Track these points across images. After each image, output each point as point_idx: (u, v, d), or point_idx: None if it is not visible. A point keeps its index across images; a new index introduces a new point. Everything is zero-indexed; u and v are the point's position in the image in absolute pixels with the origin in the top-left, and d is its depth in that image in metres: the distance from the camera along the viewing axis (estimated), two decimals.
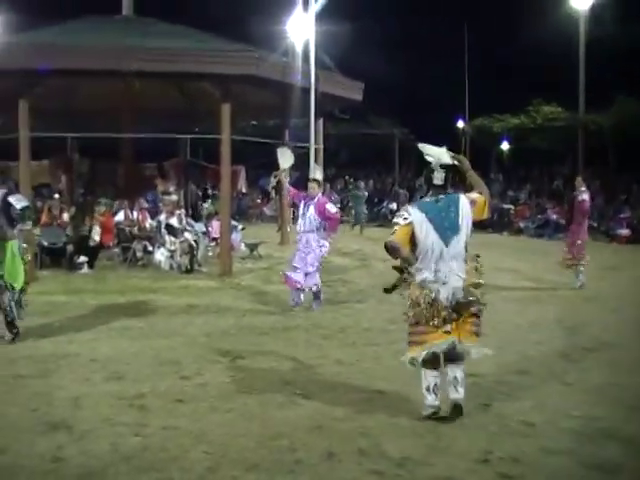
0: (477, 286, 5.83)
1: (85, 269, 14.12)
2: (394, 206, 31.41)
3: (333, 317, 10.18)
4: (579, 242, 13.00)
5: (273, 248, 17.67)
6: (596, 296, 12.16)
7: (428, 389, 5.82)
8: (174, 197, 15.95)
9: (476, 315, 5.82)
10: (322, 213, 10.47)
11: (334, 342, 8.65)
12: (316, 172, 11.20)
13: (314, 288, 10.64)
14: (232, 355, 7.79)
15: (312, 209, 10.50)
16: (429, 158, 5.97)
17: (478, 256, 6.02)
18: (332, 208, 10.75)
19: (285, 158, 11.19)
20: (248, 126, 26.75)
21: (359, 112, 26.33)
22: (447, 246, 5.72)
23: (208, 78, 14.61)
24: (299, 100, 15.18)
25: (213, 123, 18.20)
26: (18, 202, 8.33)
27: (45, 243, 14.69)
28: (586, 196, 13.28)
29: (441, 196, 5.87)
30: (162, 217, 14.87)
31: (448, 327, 5.70)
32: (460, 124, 39.99)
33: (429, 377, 5.83)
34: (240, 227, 17.64)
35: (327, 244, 10.72)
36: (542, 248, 15.80)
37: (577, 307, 11.34)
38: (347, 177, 35.35)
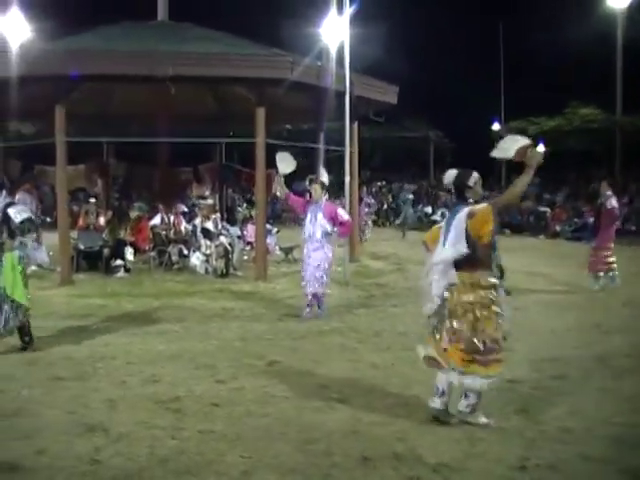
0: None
1: (121, 273, 14.22)
2: (429, 209, 31.30)
3: (368, 321, 10.14)
4: (606, 249, 12.85)
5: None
6: (632, 300, 11.96)
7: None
8: (210, 201, 16.02)
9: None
10: (333, 219, 10.32)
11: (369, 346, 8.61)
12: (322, 175, 10.84)
13: (319, 291, 10.36)
14: (267, 359, 7.79)
15: (321, 215, 10.27)
16: (496, 151, 5.94)
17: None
18: (344, 214, 10.67)
19: (286, 163, 10.60)
20: (283, 130, 26.83)
21: (394, 115, 26.26)
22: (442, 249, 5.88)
23: (243, 82, 14.65)
24: (333, 103, 15.15)
25: (247, 127, 18.29)
26: (18, 214, 8.26)
27: (82, 247, 14.84)
28: (614, 202, 13.04)
29: (460, 206, 5.87)
30: (198, 221, 14.94)
31: (446, 344, 5.82)
32: (495, 127, 39.69)
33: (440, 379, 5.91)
34: (275, 231, 17.67)
35: (331, 250, 10.52)
36: (578, 252, 15.57)
37: (614, 312, 11.15)
38: (381, 182, 35.24)
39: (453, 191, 6.02)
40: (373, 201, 25.40)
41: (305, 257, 10.41)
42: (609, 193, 13.17)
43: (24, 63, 12.72)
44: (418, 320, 9.83)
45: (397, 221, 27.44)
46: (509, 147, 5.79)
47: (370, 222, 23.55)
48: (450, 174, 6.11)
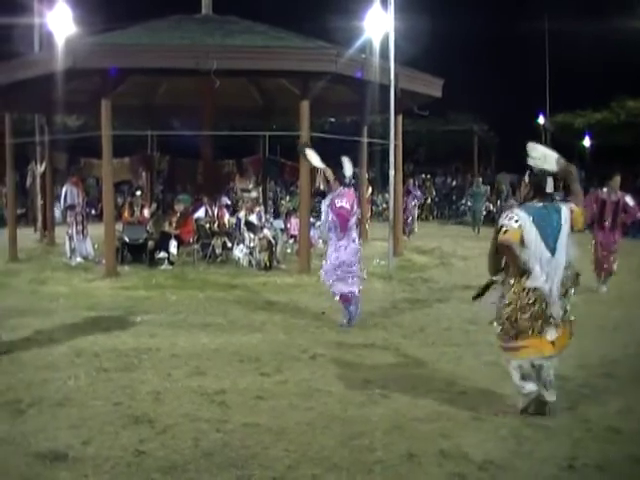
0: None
1: (165, 265, 14.31)
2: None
3: (413, 316, 10.06)
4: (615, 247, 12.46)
5: None
6: None
7: (523, 377, 5.81)
8: (254, 194, 16.06)
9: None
10: (334, 209, 9.35)
11: (414, 341, 8.54)
12: (345, 166, 9.71)
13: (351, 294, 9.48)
14: (311, 352, 7.77)
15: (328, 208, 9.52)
16: (532, 161, 5.93)
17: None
18: (338, 202, 9.33)
19: (313, 156, 10.07)
20: (326, 123, 26.80)
21: (438, 108, 26.03)
22: (553, 254, 5.73)
23: (287, 75, 14.68)
24: (378, 97, 15.07)
25: (290, 120, 18.31)
26: None
27: (126, 239, 14.96)
28: (628, 198, 12.44)
29: (547, 203, 5.84)
30: (241, 214, 14.98)
31: (553, 336, 5.72)
32: (541, 120, 39.19)
33: (523, 364, 5.81)
34: (318, 224, 17.63)
35: (355, 245, 9.48)
36: (625, 247, 15.27)
37: None
38: (426, 176, 35.00)
39: (550, 179, 5.87)
40: (419, 193, 24.76)
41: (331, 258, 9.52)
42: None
43: (71, 57, 12.85)
44: (462, 315, 9.83)
45: (468, 218, 26.39)
46: (545, 158, 5.88)
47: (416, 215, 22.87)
48: (548, 155, 5.94)
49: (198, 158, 19.01)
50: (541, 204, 5.83)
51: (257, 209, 15.08)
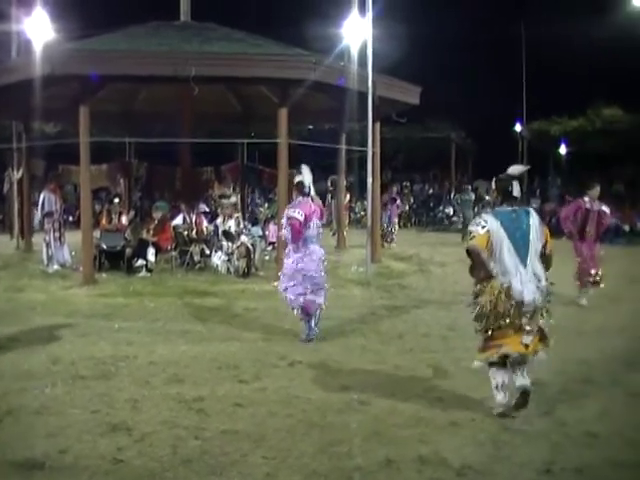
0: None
1: (143, 272, 14.26)
2: (450, 211, 31.16)
3: (391, 322, 10.09)
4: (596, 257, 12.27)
5: (329, 252, 17.61)
6: None
7: (497, 387, 5.93)
8: (233, 199, 16.02)
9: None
10: (287, 220, 8.95)
11: (392, 348, 8.57)
12: (303, 172, 9.27)
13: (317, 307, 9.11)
14: (290, 359, 7.77)
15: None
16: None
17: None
18: (288, 212, 9.00)
19: (307, 175, 9.35)
20: (304, 130, 26.82)
21: (416, 115, 26.14)
22: (524, 257, 5.87)
23: (265, 82, 14.68)
24: (356, 104, 15.13)
25: (269, 127, 18.30)
26: None
27: (104, 246, 14.89)
28: (604, 207, 12.25)
29: (516, 207, 6.01)
30: (219, 221, 14.96)
31: (528, 340, 5.83)
32: (518, 127, 39.47)
33: (498, 376, 5.94)
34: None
35: (316, 257, 9.03)
36: (605, 254, 15.41)
37: None
38: (404, 183, 35.10)
39: (517, 184, 6.08)
40: (400, 202, 24.59)
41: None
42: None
43: (48, 63, 12.79)
44: (440, 321, 9.88)
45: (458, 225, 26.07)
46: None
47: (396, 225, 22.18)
48: (518, 168, 6.28)
49: (176, 165, 18.96)
50: (509, 208, 5.97)
51: (235, 215, 15.05)
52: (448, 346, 8.50)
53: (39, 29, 19.71)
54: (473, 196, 25.84)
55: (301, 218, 8.77)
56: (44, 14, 20.19)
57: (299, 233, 8.82)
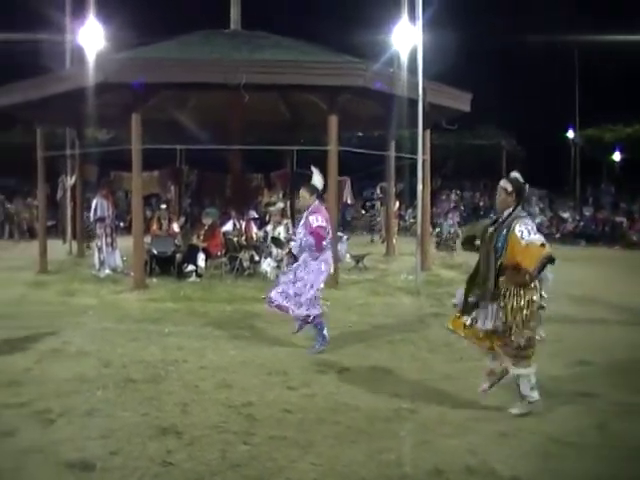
0: None
1: (193, 278, 14.39)
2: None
3: (440, 331, 9.94)
4: None
5: (378, 260, 17.61)
6: None
7: (532, 387, 6.03)
8: (280, 204, 16.08)
9: None
10: (308, 227, 8.65)
11: (441, 356, 8.49)
12: (314, 176, 9.06)
13: (304, 318, 8.76)
14: (339, 367, 7.75)
15: (301, 223, 8.91)
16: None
17: None
18: (314, 221, 8.61)
19: (318, 178, 9.22)
20: (353, 137, 26.82)
21: (466, 122, 25.95)
22: None
23: (315, 90, 14.70)
24: (406, 111, 15.07)
25: (318, 133, 18.35)
26: None
27: (155, 251, 15.07)
28: None
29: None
30: (269, 227, 15.03)
31: None
32: (570, 134, 38.96)
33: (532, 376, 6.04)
34: (345, 238, 17.63)
35: (325, 268, 8.78)
36: None
37: None
38: (455, 191, 34.91)
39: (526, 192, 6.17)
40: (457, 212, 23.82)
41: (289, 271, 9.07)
42: None
43: (101, 72, 13.03)
44: None
45: None
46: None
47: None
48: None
49: (227, 172, 19.09)
50: (525, 213, 5.99)
51: (285, 222, 15.11)
52: None
53: (92, 38, 20.07)
54: (536, 209, 24.74)
55: (325, 225, 8.65)
56: (97, 24, 20.54)
57: (322, 240, 8.63)
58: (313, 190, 8.85)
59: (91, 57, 16.61)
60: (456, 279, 15.22)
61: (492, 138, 37.76)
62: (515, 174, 6.20)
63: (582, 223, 29.12)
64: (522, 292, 5.83)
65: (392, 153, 18.50)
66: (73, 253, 19.33)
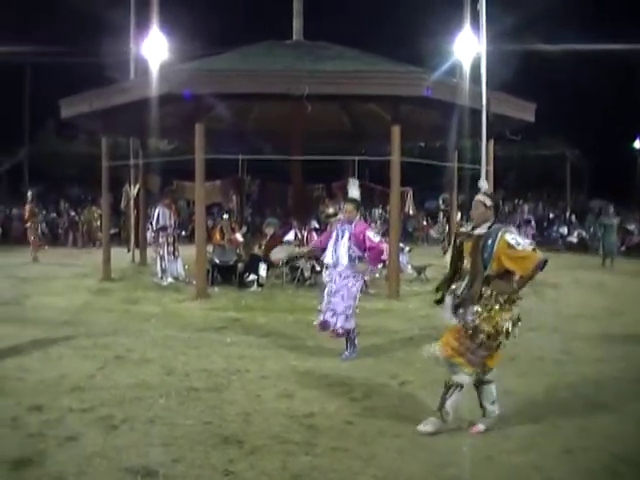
0: None
1: (255, 287, 14.47)
2: (565, 230, 30.36)
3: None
4: None
5: (440, 271, 17.38)
6: None
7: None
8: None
9: None
10: (361, 242, 8.68)
11: (505, 371, 8.26)
12: (352, 190, 9.43)
13: (340, 331, 8.78)
14: (401, 379, 7.67)
15: (347, 236, 8.81)
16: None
17: None
18: (374, 236, 8.82)
19: (354, 188, 9.84)
20: (415, 147, 26.69)
21: (529, 132, 25.61)
22: None
23: (378, 100, 14.68)
24: (468, 121, 14.95)
25: (379, 144, 18.31)
26: None
27: (217, 261, 15.20)
28: None
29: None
30: None
31: None
32: (637, 144, 38.11)
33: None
34: (407, 249, 17.53)
35: (362, 280, 9.08)
36: None
37: None
38: (518, 201, 34.43)
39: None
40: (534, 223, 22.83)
41: (329, 287, 9.03)
42: None
43: (165, 83, 13.21)
44: (554, 345, 9.57)
45: (598, 251, 23.59)
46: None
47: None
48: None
49: (288, 182, 19.17)
50: (505, 224, 6.01)
51: None
52: (562, 370, 8.22)
53: (155, 50, 20.41)
54: (614, 221, 23.51)
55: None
56: (160, 35, 20.88)
57: (382, 254, 8.98)
58: (357, 204, 9.07)
59: (155, 68, 16.90)
60: (521, 292, 14.99)
61: (555, 148, 37.14)
62: (484, 185, 6.18)
63: None
64: (507, 305, 5.93)
65: (455, 164, 18.36)
66: (136, 261, 19.61)
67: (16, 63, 33.44)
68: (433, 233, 29.60)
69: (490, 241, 5.78)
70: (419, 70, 14.32)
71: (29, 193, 22.75)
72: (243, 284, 14.68)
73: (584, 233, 28.85)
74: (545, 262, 5.82)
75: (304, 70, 13.71)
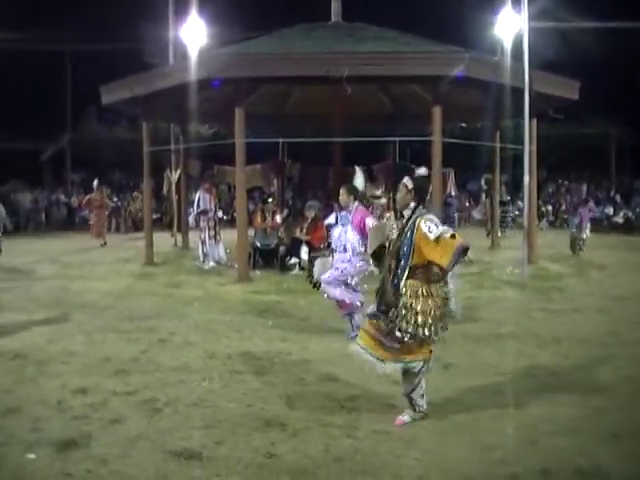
0: None
1: (296, 270, 14.48)
2: (610, 211, 29.89)
3: (547, 326, 9.71)
4: None
5: (483, 252, 17.28)
6: None
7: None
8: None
9: None
10: (362, 230, 8.75)
11: (548, 353, 8.22)
12: (356, 176, 9.21)
13: (325, 296, 9.11)
14: (443, 362, 7.59)
15: (350, 227, 9.02)
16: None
17: None
18: (371, 221, 8.76)
19: (361, 179, 9.49)
20: (456, 128, 26.43)
21: (572, 111, 25.17)
22: None
23: (418, 80, 14.55)
24: (510, 100, 14.74)
25: (419, 125, 18.17)
26: None
27: (258, 244, 15.25)
28: None
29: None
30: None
31: None
32: None
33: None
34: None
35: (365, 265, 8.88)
36: None
37: None
38: (561, 181, 33.92)
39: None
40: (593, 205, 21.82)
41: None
42: None
43: (204, 68, 13.23)
44: (599, 327, 9.45)
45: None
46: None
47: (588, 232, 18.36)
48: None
49: (329, 165, 19.13)
50: (425, 210, 5.69)
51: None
52: (608, 353, 8.10)
53: (194, 35, 20.47)
54: None
55: None
56: (199, 20, 20.93)
57: None
58: (352, 191, 9.03)
59: (194, 53, 16.94)
60: (564, 273, 14.86)
61: (600, 127, 36.45)
62: (422, 171, 5.87)
63: None
64: (431, 292, 5.57)
65: (497, 144, 18.15)
66: (178, 245, 19.76)
67: (57, 51, 33.83)
68: (475, 214, 29.36)
69: (409, 232, 5.57)
70: (459, 49, 14.13)
71: (95, 182, 23.03)
72: (285, 267, 14.71)
73: (630, 213, 28.41)
74: (466, 249, 5.49)
75: (343, 52, 13.63)
